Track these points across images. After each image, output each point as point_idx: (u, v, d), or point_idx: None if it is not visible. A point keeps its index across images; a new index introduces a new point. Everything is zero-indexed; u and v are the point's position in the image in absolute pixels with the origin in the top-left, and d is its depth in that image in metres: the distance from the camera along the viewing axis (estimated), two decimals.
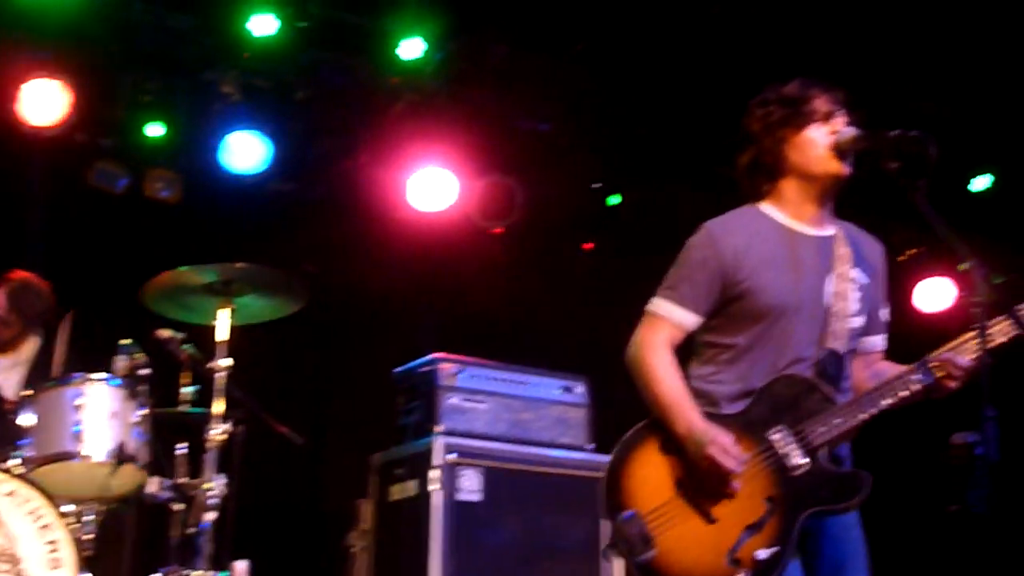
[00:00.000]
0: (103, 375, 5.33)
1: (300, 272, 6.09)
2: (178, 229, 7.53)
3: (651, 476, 3.67)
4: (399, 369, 6.78)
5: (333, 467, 7.87)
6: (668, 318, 3.77)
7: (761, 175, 3.86)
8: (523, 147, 8.21)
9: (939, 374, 3.57)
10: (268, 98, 7.53)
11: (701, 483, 3.60)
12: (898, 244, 8.25)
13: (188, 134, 7.57)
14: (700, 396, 3.72)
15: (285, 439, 5.87)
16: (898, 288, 8.43)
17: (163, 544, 5.47)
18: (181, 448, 5.50)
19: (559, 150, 8.27)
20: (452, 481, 6.16)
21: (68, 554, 4.78)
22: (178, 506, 5.41)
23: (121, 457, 5.19)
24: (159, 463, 5.44)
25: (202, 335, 5.58)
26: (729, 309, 3.75)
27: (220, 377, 5.39)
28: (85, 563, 4.89)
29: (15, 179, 7.23)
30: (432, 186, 7.93)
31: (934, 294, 8.76)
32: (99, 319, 6.44)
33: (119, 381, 5.35)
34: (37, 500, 4.81)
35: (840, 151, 3.72)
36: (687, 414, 3.64)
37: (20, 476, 4.93)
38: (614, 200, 8.70)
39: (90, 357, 5.59)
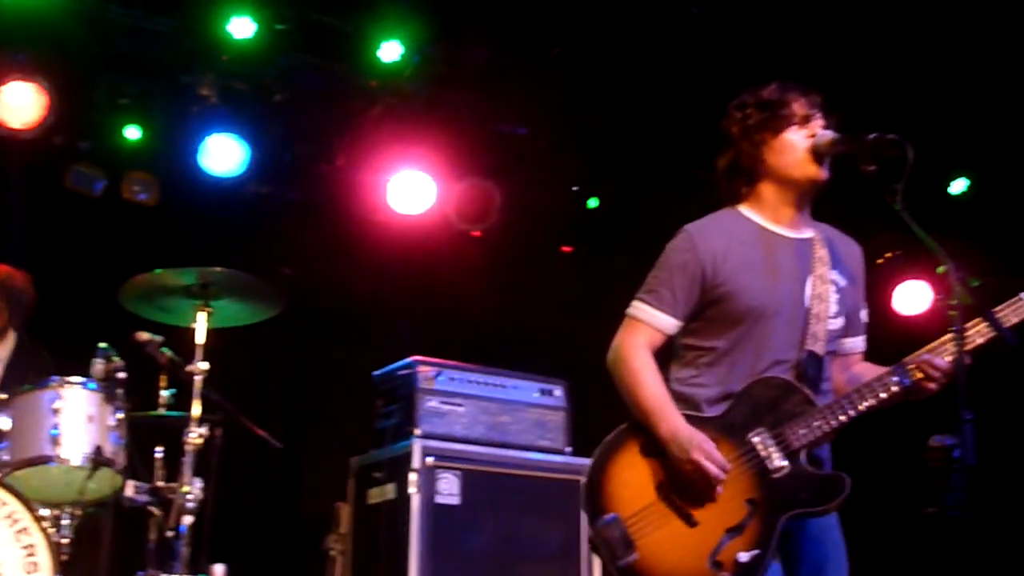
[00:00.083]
0: (80, 378, 5.31)
1: (278, 275, 6.08)
2: (156, 232, 7.50)
3: (632, 479, 3.67)
4: (377, 372, 6.77)
5: (311, 470, 7.85)
6: (648, 322, 3.78)
7: (739, 178, 3.87)
8: (502, 150, 8.21)
9: (917, 376, 3.58)
10: (246, 101, 7.51)
11: (683, 486, 3.60)
12: (877, 247, 8.28)
13: (166, 137, 7.54)
14: (681, 399, 3.73)
15: (263, 442, 5.86)
16: (877, 291, 8.45)
17: (140, 548, 5.45)
18: (158, 452, 5.49)
19: (538, 153, 8.27)
20: (430, 484, 6.15)
21: (45, 558, 4.76)
22: (155, 510, 5.39)
23: (98, 461, 5.16)
24: (136, 467, 5.42)
25: (180, 338, 5.57)
26: (709, 312, 3.76)
27: (198, 380, 5.38)
28: (62, 567, 4.87)
29: None
30: (411, 189, 7.93)
31: (913, 297, 8.79)
32: (77, 322, 6.43)
33: (96, 384, 5.33)
34: (14, 504, 4.79)
35: (817, 154, 3.73)
36: (669, 417, 3.64)
37: None
38: (593, 203, 8.70)
39: (68, 360, 5.57)
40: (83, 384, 5.30)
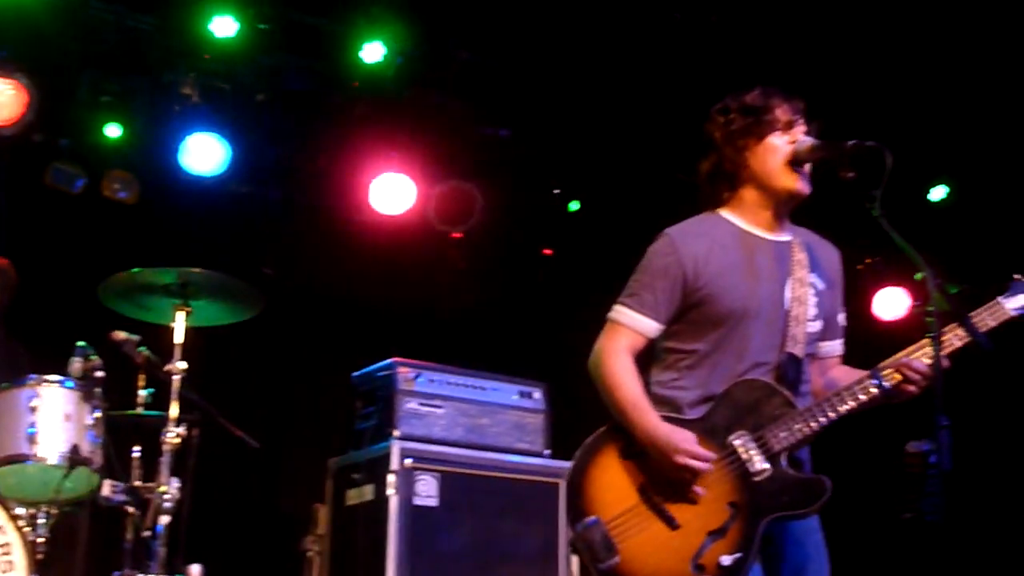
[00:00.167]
0: (58, 377, 5.29)
1: (259, 275, 6.07)
2: (136, 230, 7.48)
3: (613, 482, 3.68)
4: (357, 373, 6.76)
5: (289, 471, 7.84)
6: (629, 325, 3.79)
7: (722, 182, 3.88)
8: (484, 152, 8.21)
9: (896, 379, 3.59)
10: (228, 100, 7.49)
11: (664, 489, 3.61)
12: (856, 253, 8.30)
13: (147, 135, 7.52)
14: (662, 402, 3.73)
15: (241, 443, 5.84)
16: (857, 296, 8.49)
17: (117, 548, 5.43)
18: (136, 451, 5.47)
19: (519, 156, 8.28)
20: (409, 486, 6.15)
21: (20, 557, 4.73)
22: (132, 509, 5.37)
23: (75, 460, 5.14)
24: (113, 466, 5.40)
25: (160, 336, 5.55)
26: (690, 315, 3.77)
27: (176, 380, 5.37)
28: (37, 566, 4.85)
29: None
30: (392, 190, 7.92)
31: (892, 302, 8.83)
32: (55, 319, 6.40)
33: (74, 383, 5.31)
34: None
35: (798, 160, 3.75)
36: (648, 419, 3.65)
37: None
38: (574, 206, 8.71)
39: (45, 358, 5.55)
40: (61, 382, 5.28)
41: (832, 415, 3.60)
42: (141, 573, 5.20)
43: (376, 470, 6.22)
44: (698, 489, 3.57)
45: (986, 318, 3.58)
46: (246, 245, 7.76)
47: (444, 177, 8.15)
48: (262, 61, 7.32)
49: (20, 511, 5.01)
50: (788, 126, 3.80)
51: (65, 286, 6.93)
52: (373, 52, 7.23)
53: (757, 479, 3.59)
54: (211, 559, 5.56)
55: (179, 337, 5.44)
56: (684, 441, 3.58)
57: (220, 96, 7.44)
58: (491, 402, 6.69)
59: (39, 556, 5.01)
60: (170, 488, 5.25)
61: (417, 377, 6.51)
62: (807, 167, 3.78)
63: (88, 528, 5.84)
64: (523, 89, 7.75)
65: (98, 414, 5.32)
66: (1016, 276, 3.64)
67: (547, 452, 6.71)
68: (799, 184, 3.76)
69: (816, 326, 3.82)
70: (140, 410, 5.60)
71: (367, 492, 6.28)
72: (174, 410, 5.34)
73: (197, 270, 5.40)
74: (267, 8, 7.04)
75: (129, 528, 5.39)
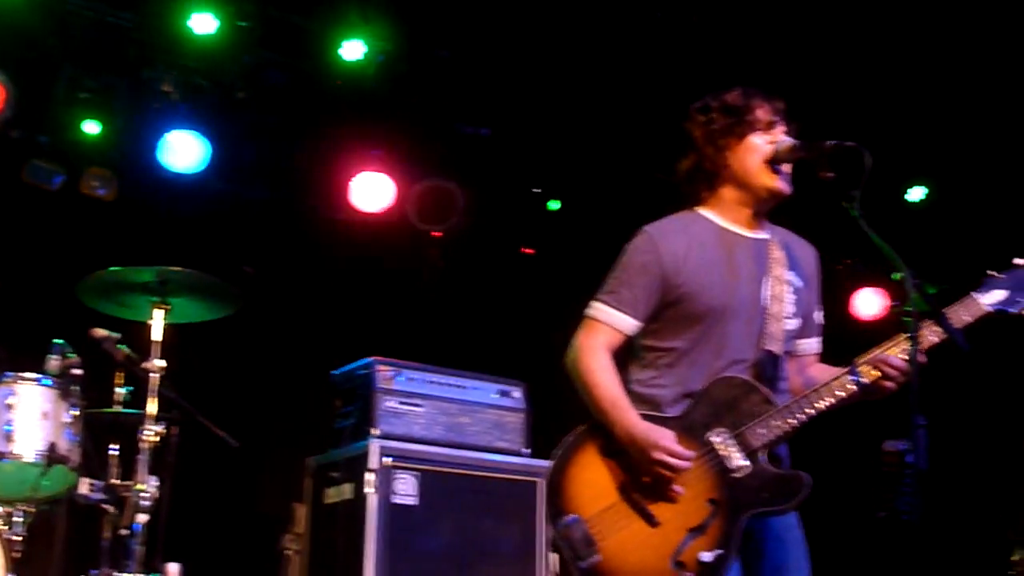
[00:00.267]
0: (35, 374, 5.27)
1: (239, 273, 6.05)
2: (114, 227, 7.46)
3: (593, 480, 3.68)
4: (336, 372, 6.76)
5: (268, 469, 7.83)
6: (607, 322, 3.79)
7: (701, 181, 3.89)
8: (464, 151, 8.21)
9: (873, 375, 3.60)
10: (208, 97, 7.48)
11: (644, 486, 3.62)
12: (835, 252, 8.33)
13: (126, 132, 7.50)
14: (641, 400, 3.74)
15: (220, 441, 5.82)
16: (836, 295, 8.52)
17: (94, 546, 5.41)
18: (114, 449, 5.45)
19: (500, 155, 8.28)
20: (388, 484, 6.14)
21: None
22: (110, 508, 5.35)
23: (52, 458, 5.12)
24: (91, 464, 5.38)
25: (138, 334, 5.53)
26: (668, 312, 3.78)
27: (154, 378, 5.35)
28: (14, 565, 4.84)
29: None
30: (372, 189, 7.92)
31: (871, 302, 8.87)
32: (32, 317, 6.37)
33: (51, 381, 5.29)
34: None
35: (777, 160, 3.76)
36: (626, 417, 3.65)
37: None
38: (554, 205, 8.71)
39: (23, 356, 5.52)
40: (38, 380, 5.26)
41: (811, 412, 3.61)
42: (118, 572, 5.19)
43: (355, 469, 6.21)
44: (677, 487, 3.58)
45: (961, 314, 3.59)
46: (225, 243, 7.73)
47: (424, 176, 8.15)
48: (242, 58, 7.30)
49: None
50: (769, 126, 3.81)
51: (43, 283, 6.90)
52: (353, 50, 7.23)
53: (736, 476, 3.60)
54: (189, 558, 5.55)
55: (157, 335, 5.43)
56: (664, 438, 3.58)
57: (199, 93, 7.43)
58: (471, 401, 6.69)
59: (16, 554, 5.00)
60: (148, 486, 5.23)
61: (396, 375, 6.50)
62: (787, 167, 3.79)
63: (65, 526, 5.82)
64: (503, 88, 7.75)
65: (76, 412, 5.31)
66: (990, 272, 3.66)
67: (526, 451, 6.71)
68: (779, 183, 3.78)
69: (794, 324, 3.83)
70: (118, 408, 5.58)
71: (346, 491, 6.27)
72: (152, 408, 5.33)
73: (175, 268, 5.39)
74: (247, 5, 7.03)
75: (107, 527, 5.38)
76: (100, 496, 5.33)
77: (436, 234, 8.40)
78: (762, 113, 3.81)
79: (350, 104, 7.64)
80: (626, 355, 3.85)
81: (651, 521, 3.60)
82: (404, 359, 6.64)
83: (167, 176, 7.49)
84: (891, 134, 7.24)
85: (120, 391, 5.59)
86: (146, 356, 5.40)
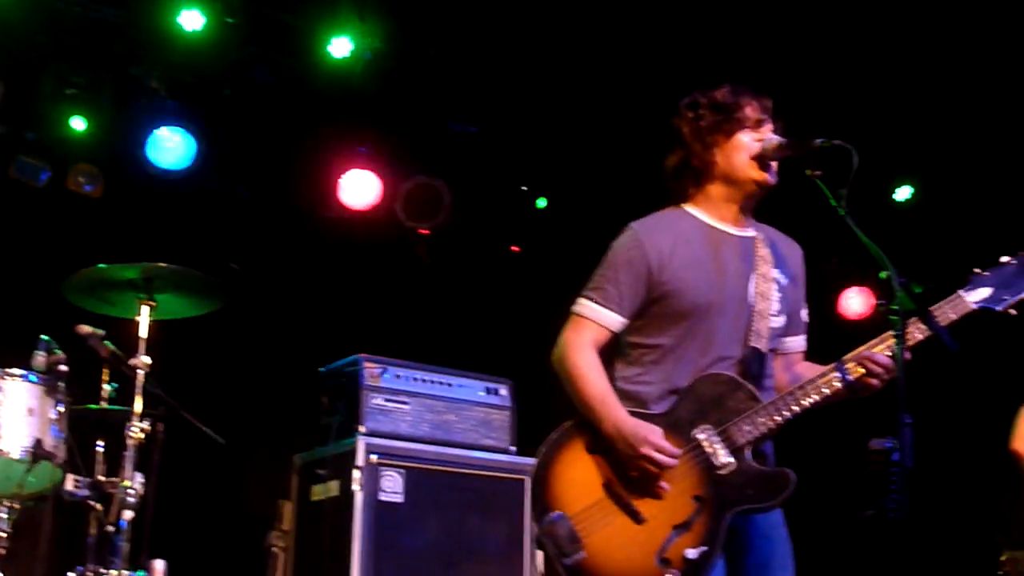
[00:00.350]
0: (21, 371, 5.25)
1: (224, 270, 6.04)
2: (101, 224, 7.44)
3: (579, 476, 3.68)
4: (323, 369, 6.75)
5: (254, 466, 7.82)
6: (593, 319, 3.79)
7: (688, 178, 3.89)
8: (451, 149, 8.21)
9: (858, 372, 3.61)
10: (195, 94, 7.46)
11: (629, 482, 3.62)
12: (822, 252, 8.34)
13: (113, 128, 7.47)
14: (627, 397, 3.74)
15: (206, 438, 5.81)
16: (822, 294, 8.53)
17: (80, 543, 5.39)
18: (100, 446, 5.44)
19: (487, 152, 8.28)
20: (374, 482, 6.14)
21: None
22: (96, 504, 5.33)
23: (38, 454, 5.10)
24: (77, 460, 5.36)
25: (123, 330, 5.52)
26: (653, 309, 3.78)
27: (140, 375, 5.33)
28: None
29: None
30: (359, 185, 7.91)
31: (858, 300, 8.89)
32: (18, 313, 6.35)
33: (37, 377, 5.27)
34: None
35: (764, 158, 3.77)
36: (613, 413, 3.66)
37: None
38: (542, 203, 8.72)
39: (8, 352, 5.51)
40: (24, 376, 5.23)
41: (796, 409, 3.62)
42: (104, 568, 5.17)
43: (341, 466, 6.20)
44: (663, 484, 3.58)
45: (947, 311, 3.60)
46: (212, 239, 7.72)
47: (412, 173, 8.15)
48: (229, 55, 7.29)
49: None
50: (757, 124, 3.82)
51: (29, 279, 6.88)
52: (341, 47, 7.22)
53: (722, 473, 3.61)
54: (175, 555, 5.53)
55: (143, 331, 5.41)
56: (652, 434, 3.59)
57: (187, 90, 7.41)
58: (457, 398, 6.69)
59: (1, 551, 4.98)
60: (134, 483, 5.22)
61: (383, 373, 6.50)
62: (774, 165, 3.80)
63: (51, 523, 5.80)
64: (491, 86, 7.75)
65: (62, 408, 5.29)
66: (976, 270, 3.67)
67: (513, 448, 6.71)
68: (765, 175, 3.78)
69: (780, 321, 3.84)
70: (104, 405, 5.57)
71: (332, 488, 6.27)
72: (138, 405, 5.31)
73: (161, 264, 5.37)
74: (235, 2, 7.01)
75: (92, 523, 5.35)
76: (86, 493, 5.31)
77: (423, 231, 8.39)
78: (751, 111, 3.82)
79: (337, 101, 7.63)
80: (612, 352, 3.85)
81: (636, 518, 3.60)
82: (391, 356, 6.63)
83: (154, 173, 7.47)
84: (878, 134, 7.25)
85: (106, 388, 5.57)
86: (132, 353, 5.38)
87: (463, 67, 7.62)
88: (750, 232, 3.88)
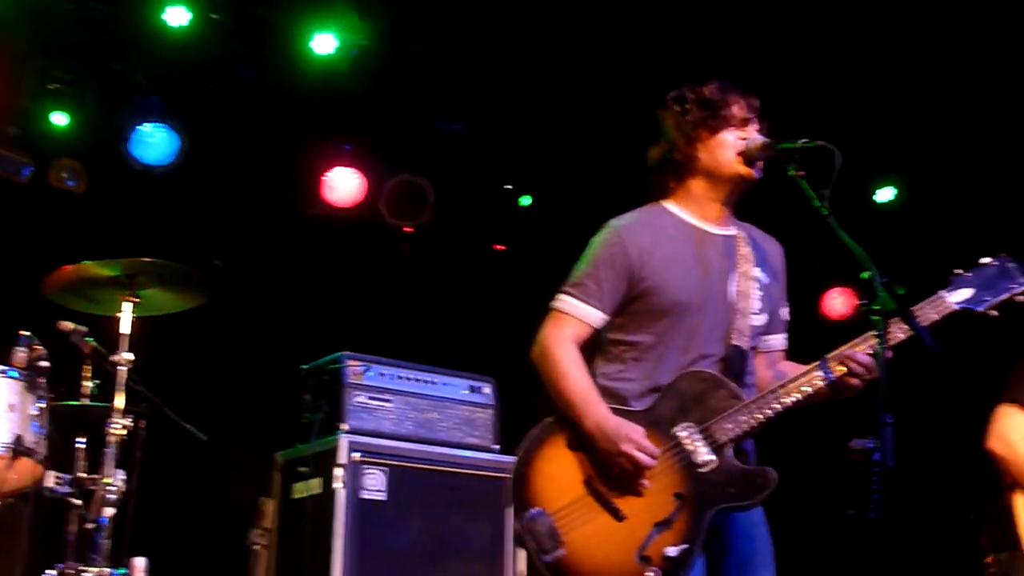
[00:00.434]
0: (1, 366, 5.23)
1: (208, 266, 6.03)
2: (83, 220, 7.41)
3: (559, 473, 3.68)
4: (306, 366, 6.74)
5: (236, 464, 7.79)
6: (574, 314, 3.79)
7: (670, 173, 3.90)
8: (436, 147, 8.20)
9: (840, 371, 3.61)
10: (179, 90, 7.44)
11: (610, 480, 3.62)
12: (805, 252, 8.35)
13: (96, 124, 7.45)
14: (608, 394, 3.74)
15: (187, 435, 5.80)
16: (806, 294, 8.55)
17: (60, 539, 5.37)
18: (80, 442, 5.42)
19: (471, 151, 8.27)
20: (356, 480, 6.13)
21: None
22: (76, 501, 5.32)
23: (18, 450, 5.09)
24: (57, 457, 5.35)
25: (103, 326, 5.50)
26: (635, 306, 3.78)
27: (122, 371, 5.32)
28: None
29: None
30: (343, 183, 7.90)
31: (841, 301, 8.92)
32: None
33: (18, 373, 5.25)
34: None
35: (748, 158, 3.77)
36: (595, 409, 3.65)
37: None
38: (525, 201, 8.72)
39: None
40: (4, 372, 5.21)
41: (779, 407, 3.62)
42: (84, 565, 5.15)
43: (324, 463, 6.19)
44: (644, 481, 3.58)
45: (929, 312, 3.61)
46: (195, 236, 7.70)
47: (396, 171, 8.14)
48: (214, 52, 7.27)
49: None
50: (743, 123, 3.82)
51: (10, 275, 6.85)
52: (326, 44, 7.21)
53: (703, 470, 3.61)
54: (156, 552, 5.51)
55: (126, 328, 5.40)
56: (633, 432, 3.59)
57: (171, 86, 7.39)
58: (441, 396, 6.69)
59: None
60: (115, 480, 5.20)
61: (366, 370, 6.49)
62: (758, 164, 3.81)
63: (31, 520, 5.77)
64: (476, 84, 7.74)
65: (42, 404, 5.27)
66: (957, 271, 3.68)
67: (496, 447, 6.71)
68: (749, 170, 3.78)
69: (761, 319, 3.85)
70: (85, 401, 5.55)
71: (314, 486, 6.26)
72: (120, 401, 5.30)
73: (144, 259, 5.36)
74: None
75: (73, 520, 5.33)
76: (66, 489, 5.29)
77: (407, 229, 8.38)
78: (737, 109, 3.83)
79: (322, 99, 7.62)
80: (592, 349, 3.85)
81: (617, 515, 3.60)
82: (374, 354, 6.62)
83: (137, 169, 7.45)
84: (860, 135, 7.27)
85: (87, 384, 5.55)
86: (114, 349, 5.37)
87: (448, 65, 7.61)
88: (731, 230, 3.89)
